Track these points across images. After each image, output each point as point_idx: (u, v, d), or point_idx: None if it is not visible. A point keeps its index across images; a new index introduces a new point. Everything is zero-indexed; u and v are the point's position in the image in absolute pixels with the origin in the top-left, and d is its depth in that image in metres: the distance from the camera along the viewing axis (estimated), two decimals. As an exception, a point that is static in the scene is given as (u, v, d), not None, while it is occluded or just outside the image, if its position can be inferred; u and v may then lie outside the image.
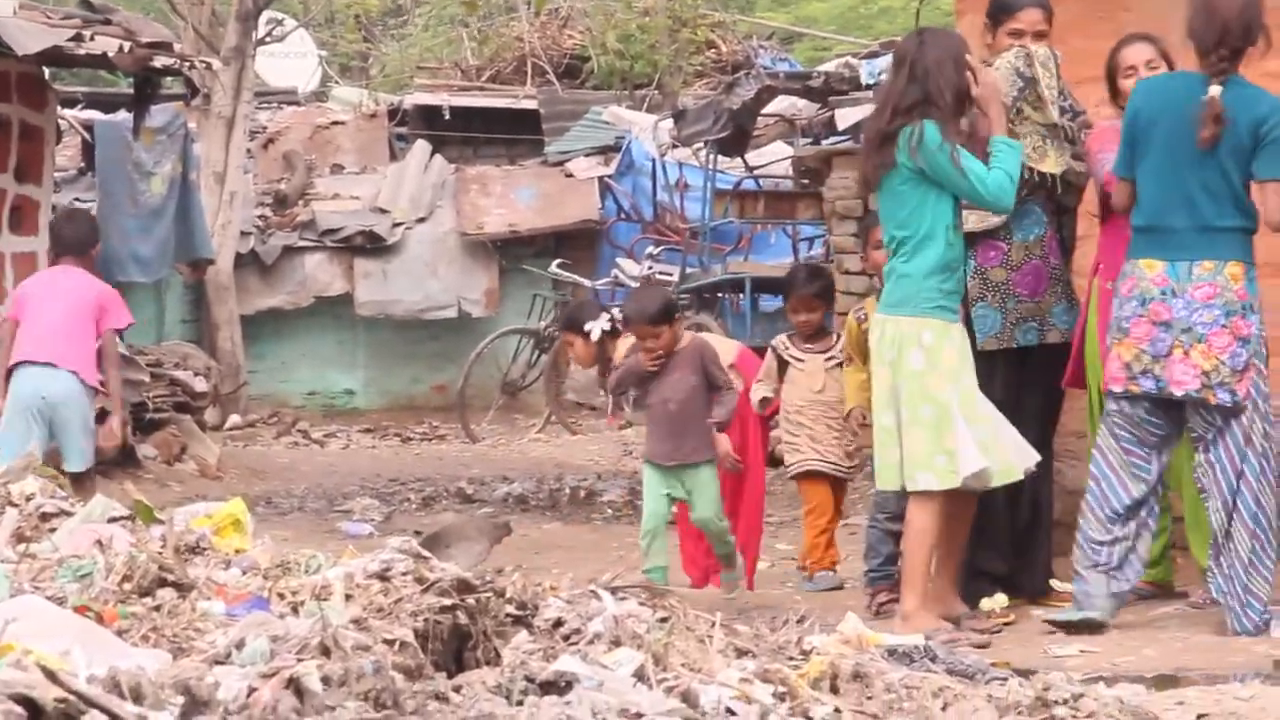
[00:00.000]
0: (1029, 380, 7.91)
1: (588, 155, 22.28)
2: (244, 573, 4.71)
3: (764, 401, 9.36)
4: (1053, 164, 7.69)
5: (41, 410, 10.14)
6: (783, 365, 9.42)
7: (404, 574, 4.40)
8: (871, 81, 16.80)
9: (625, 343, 9.15)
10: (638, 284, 16.79)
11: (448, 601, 4.21)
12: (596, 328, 9.27)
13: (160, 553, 4.68)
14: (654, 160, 19.68)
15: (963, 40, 7.60)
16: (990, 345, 7.76)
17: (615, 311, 9.61)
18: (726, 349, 9.44)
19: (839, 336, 9.35)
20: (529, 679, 3.93)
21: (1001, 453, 7.33)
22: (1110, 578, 7.37)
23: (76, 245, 10.69)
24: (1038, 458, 7.54)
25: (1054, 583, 8.03)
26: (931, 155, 7.20)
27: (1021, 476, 7.48)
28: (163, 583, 4.49)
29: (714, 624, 4.53)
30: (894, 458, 7.37)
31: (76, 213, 11.83)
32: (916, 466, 7.27)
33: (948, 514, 7.39)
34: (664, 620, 4.44)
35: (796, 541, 9.94)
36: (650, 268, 18.17)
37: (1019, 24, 7.77)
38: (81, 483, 10.24)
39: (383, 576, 4.41)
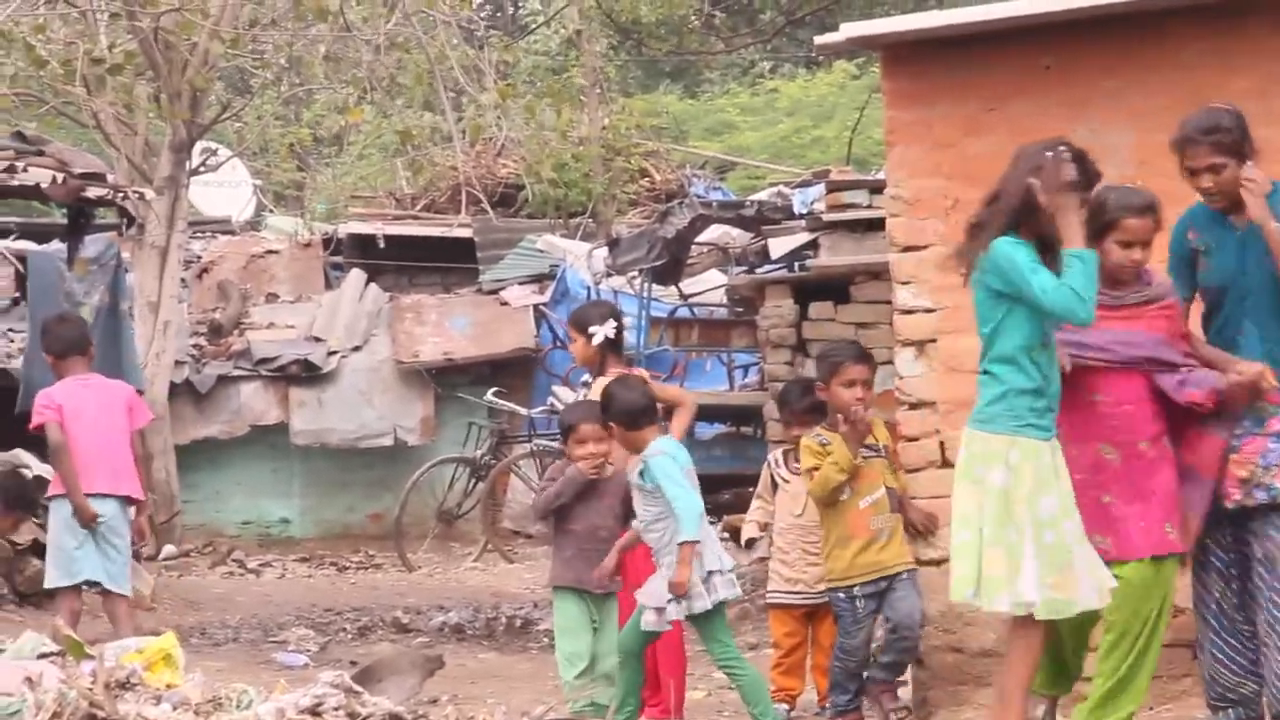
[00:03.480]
0: None
1: (522, 283, 22.35)
2: (175, 709, 4.68)
3: (750, 544, 9.16)
4: None
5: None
6: (775, 484, 9.13)
7: (336, 709, 4.39)
8: (804, 210, 16.90)
9: (616, 371, 8.95)
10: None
11: (380, 736, 4.20)
12: (601, 332, 9.15)
13: (90, 689, 4.65)
14: (588, 288, 19.74)
15: (1046, 150, 7.00)
16: None
17: (626, 321, 9.43)
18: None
19: None
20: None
21: (1068, 588, 6.92)
22: None
23: (79, 344, 10.71)
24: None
25: None
26: (999, 267, 6.90)
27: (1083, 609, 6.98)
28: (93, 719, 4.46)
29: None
30: (967, 570, 6.99)
31: (66, 315, 11.83)
32: (996, 588, 6.93)
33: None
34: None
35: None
36: (586, 395, 18.11)
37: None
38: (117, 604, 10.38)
39: (314, 712, 4.39)
